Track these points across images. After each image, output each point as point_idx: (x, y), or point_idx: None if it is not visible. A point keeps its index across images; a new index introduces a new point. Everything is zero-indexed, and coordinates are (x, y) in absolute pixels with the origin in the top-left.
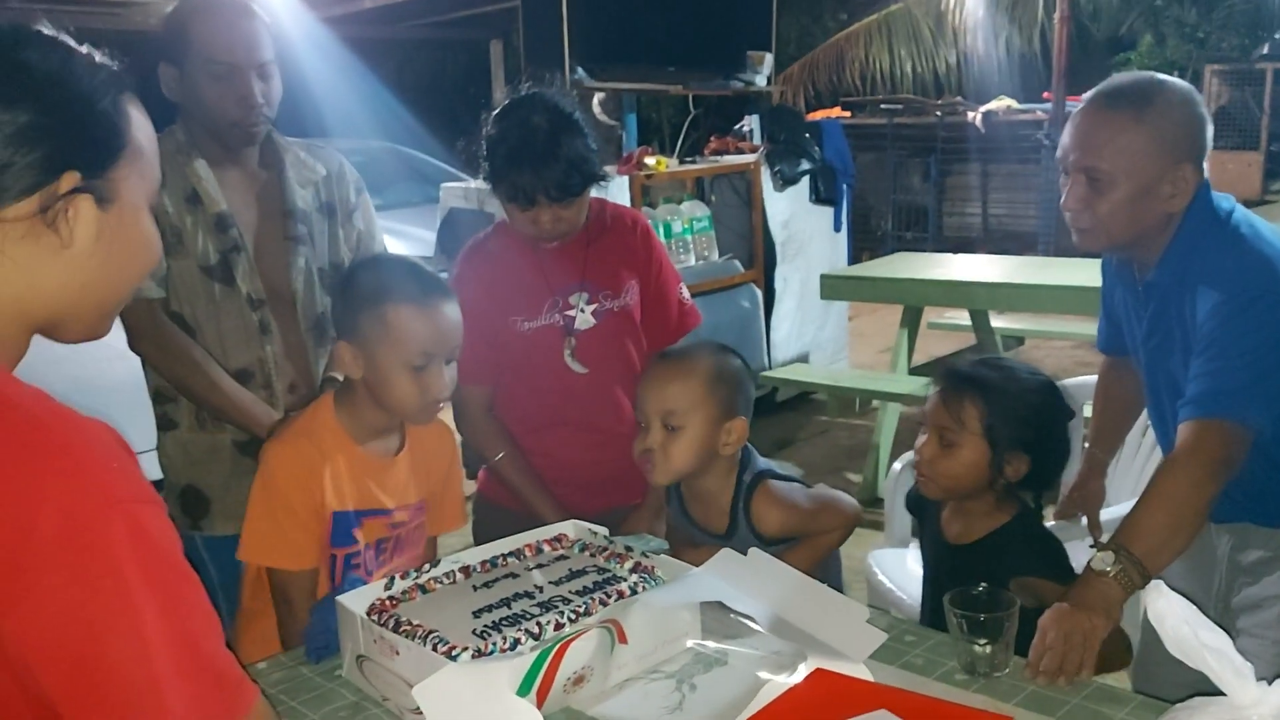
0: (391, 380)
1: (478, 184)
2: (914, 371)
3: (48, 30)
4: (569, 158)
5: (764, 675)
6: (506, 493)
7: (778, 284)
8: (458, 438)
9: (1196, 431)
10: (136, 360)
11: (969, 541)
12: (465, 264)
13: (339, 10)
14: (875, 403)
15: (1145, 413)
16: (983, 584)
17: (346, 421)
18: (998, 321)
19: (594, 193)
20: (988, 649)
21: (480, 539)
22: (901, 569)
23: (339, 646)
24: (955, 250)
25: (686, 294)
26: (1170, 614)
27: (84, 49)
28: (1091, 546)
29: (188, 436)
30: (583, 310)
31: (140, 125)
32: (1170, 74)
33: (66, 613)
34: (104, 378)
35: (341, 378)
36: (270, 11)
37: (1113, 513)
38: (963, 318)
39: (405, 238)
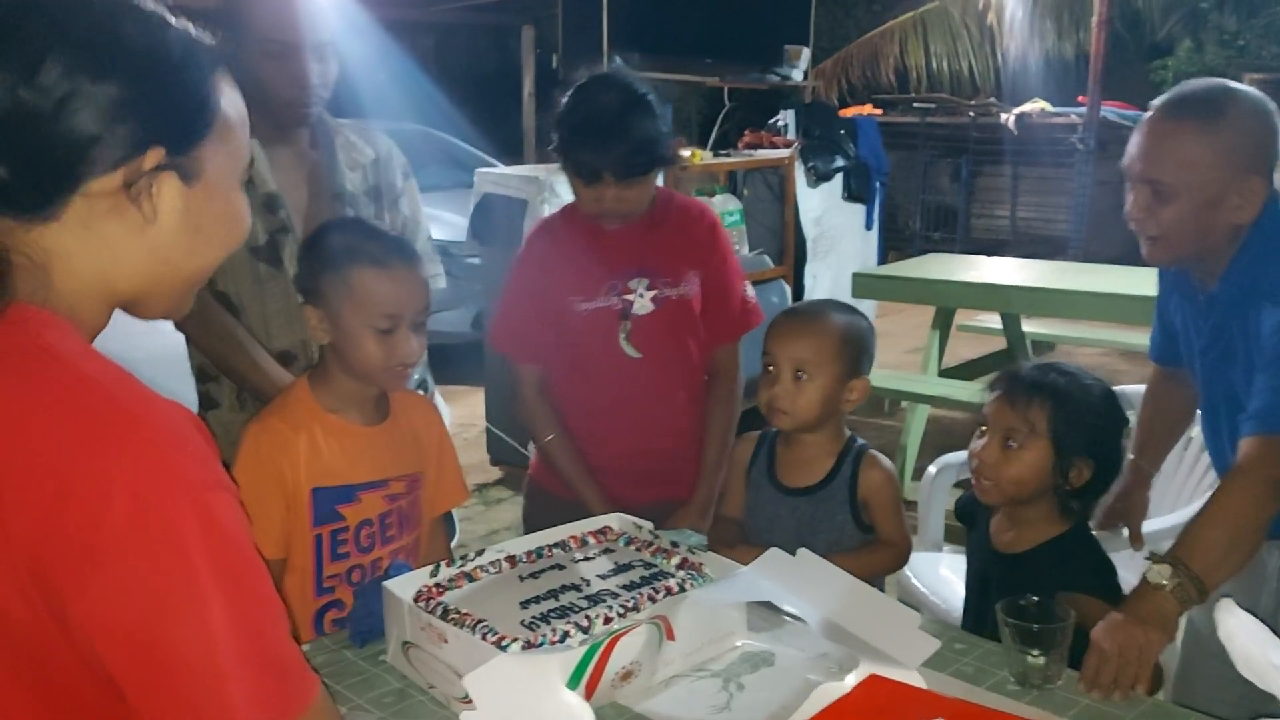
0: (356, 343)
1: (512, 170)
2: (943, 373)
3: (147, 2)
4: (636, 137)
5: (813, 677)
6: (558, 480)
7: (807, 280)
8: (481, 423)
9: (1259, 448)
10: (178, 338)
11: (1019, 550)
12: (530, 243)
13: None
14: (903, 404)
15: (1189, 425)
16: (1030, 594)
17: (321, 394)
18: (1028, 326)
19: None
20: (1041, 660)
21: (530, 524)
22: (934, 573)
23: (383, 630)
24: (983, 252)
25: (751, 292)
26: (1240, 633)
27: (180, 21)
28: (1147, 559)
29: (229, 416)
30: (641, 295)
31: (232, 101)
32: None
33: (134, 596)
34: (145, 354)
35: None
36: None
37: (1153, 524)
38: (993, 321)
39: (436, 221)
